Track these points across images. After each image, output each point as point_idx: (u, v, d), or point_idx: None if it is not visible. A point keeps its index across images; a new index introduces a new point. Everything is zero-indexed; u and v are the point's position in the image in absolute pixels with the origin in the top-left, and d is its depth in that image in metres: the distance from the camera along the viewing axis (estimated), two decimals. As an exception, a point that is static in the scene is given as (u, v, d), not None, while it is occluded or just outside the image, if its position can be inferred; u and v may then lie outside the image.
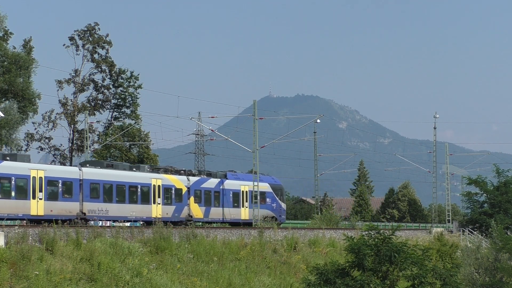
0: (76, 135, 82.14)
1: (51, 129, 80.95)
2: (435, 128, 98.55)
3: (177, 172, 53.80)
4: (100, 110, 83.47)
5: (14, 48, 69.74)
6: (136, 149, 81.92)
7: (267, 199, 60.75)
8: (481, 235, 66.25)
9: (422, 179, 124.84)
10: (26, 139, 79.10)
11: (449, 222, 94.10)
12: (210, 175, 56.56)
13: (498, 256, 40.86)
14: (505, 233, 43.70)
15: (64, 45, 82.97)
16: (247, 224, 55.73)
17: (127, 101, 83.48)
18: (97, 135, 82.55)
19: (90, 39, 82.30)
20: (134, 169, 50.73)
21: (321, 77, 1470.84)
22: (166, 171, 53.00)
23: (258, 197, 58.97)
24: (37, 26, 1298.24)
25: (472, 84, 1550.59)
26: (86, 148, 76.87)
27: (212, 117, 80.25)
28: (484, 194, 76.67)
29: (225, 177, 57.80)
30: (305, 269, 41.28)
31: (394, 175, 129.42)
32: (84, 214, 45.60)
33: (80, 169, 46.62)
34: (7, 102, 64.30)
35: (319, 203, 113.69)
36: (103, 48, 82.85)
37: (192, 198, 53.58)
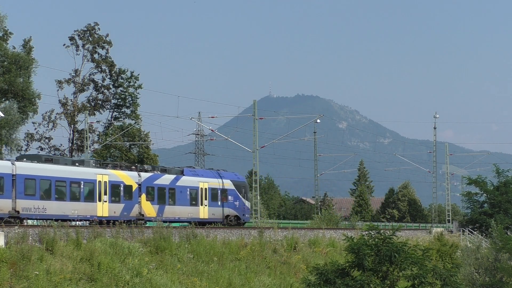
0: (76, 135, 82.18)
1: (51, 129, 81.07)
2: (435, 128, 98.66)
3: (128, 168, 50.38)
4: (100, 110, 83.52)
5: (14, 48, 69.79)
6: (136, 149, 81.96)
7: (229, 197, 56.70)
8: (481, 235, 66.27)
9: (422, 179, 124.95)
10: (26, 139, 79.23)
11: (449, 222, 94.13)
12: (165, 171, 52.63)
13: (498, 256, 40.87)
14: (505, 233, 43.71)
15: (64, 45, 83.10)
16: (206, 224, 51.75)
17: (127, 101, 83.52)
18: (97, 135, 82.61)
19: (90, 39, 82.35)
20: (77, 164, 47.09)
21: (321, 77, 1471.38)
22: (115, 166, 49.48)
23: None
24: (37, 26, 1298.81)
25: (472, 84, 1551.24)
26: (86, 148, 76.91)
27: (212, 117, 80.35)
28: (484, 194, 76.70)
29: (182, 173, 53.72)
30: (305, 269, 41.28)
31: (394, 175, 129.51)
32: (18, 212, 41.98)
33: (13, 164, 42.68)
34: (7, 102, 64.32)
35: (319, 203, 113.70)
36: (103, 48, 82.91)
37: (143, 196, 49.43)
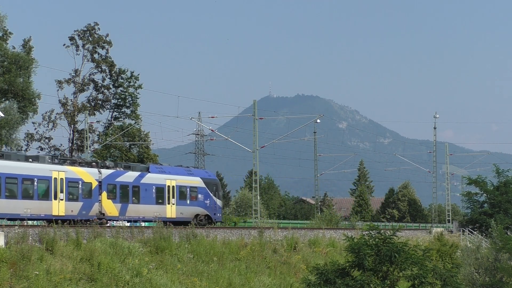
0: (76, 135, 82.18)
1: (51, 129, 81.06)
2: (435, 128, 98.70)
3: (88, 164, 47.68)
4: (100, 110, 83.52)
5: (14, 48, 69.79)
6: (136, 149, 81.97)
7: (199, 195, 53.50)
8: (481, 235, 66.29)
9: (422, 179, 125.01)
10: (26, 139, 79.23)
11: (449, 222, 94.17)
12: (129, 167, 49.93)
13: (498, 256, 40.86)
14: (505, 233, 43.69)
15: (64, 45, 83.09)
16: (174, 224, 49.15)
17: (127, 101, 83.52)
18: (97, 135, 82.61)
19: (90, 39, 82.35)
20: (30, 160, 44.55)
21: (321, 77, 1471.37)
22: (73, 163, 46.84)
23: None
24: (37, 26, 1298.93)
25: (472, 84, 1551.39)
26: (86, 148, 76.91)
27: (212, 117, 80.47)
28: (484, 194, 76.74)
29: (147, 170, 50.86)
30: (305, 269, 41.29)
31: (394, 175, 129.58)
32: None
33: None
34: (7, 102, 64.31)
35: (319, 203, 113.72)
36: (103, 48, 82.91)
37: (104, 194, 46.65)
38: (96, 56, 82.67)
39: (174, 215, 51.18)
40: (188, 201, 52.56)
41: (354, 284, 25.91)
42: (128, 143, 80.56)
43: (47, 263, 31.33)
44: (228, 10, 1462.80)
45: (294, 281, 40.89)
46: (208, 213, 54.05)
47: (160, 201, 50.44)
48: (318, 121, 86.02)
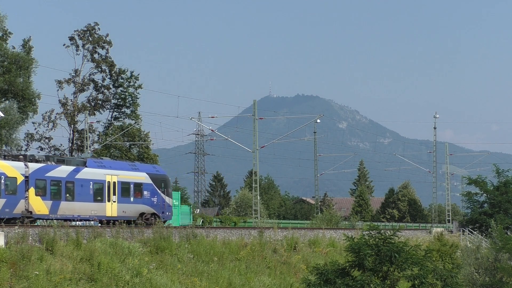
0: (76, 135, 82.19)
1: (51, 129, 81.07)
2: (435, 128, 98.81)
3: (14, 157, 43.34)
4: (100, 110, 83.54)
5: (14, 48, 69.83)
6: (136, 149, 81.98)
7: (145, 192, 49.23)
8: (481, 235, 66.31)
9: (422, 179, 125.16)
10: (26, 139, 79.24)
11: (449, 222, 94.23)
12: (62, 161, 45.40)
13: (498, 256, 40.84)
14: (505, 233, 43.67)
15: (64, 45, 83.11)
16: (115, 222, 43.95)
17: (127, 101, 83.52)
18: (97, 135, 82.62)
19: (90, 39, 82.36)
20: None
21: (321, 77, 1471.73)
22: None
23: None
24: (37, 26, 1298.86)
25: (472, 84, 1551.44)
26: (86, 148, 76.91)
27: (212, 117, 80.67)
28: (484, 194, 76.80)
29: (84, 164, 46.41)
30: (305, 269, 41.29)
31: (394, 175, 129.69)
32: None
33: None
34: (7, 102, 64.33)
35: (319, 203, 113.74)
36: (103, 48, 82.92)
37: (32, 190, 42.20)
38: (96, 56, 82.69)
39: (115, 214, 46.78)
40: (131, 199, 48.11)
41: (354, 284, 25.89)
42: (128, 143, 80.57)
43: (47, 263, 31.33)
44: (228, 10, 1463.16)
45: (294, 281, 40.90)
46: (155, 212, 49.63)
47: (98, 198, 46.05)
48: (318, 121, 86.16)
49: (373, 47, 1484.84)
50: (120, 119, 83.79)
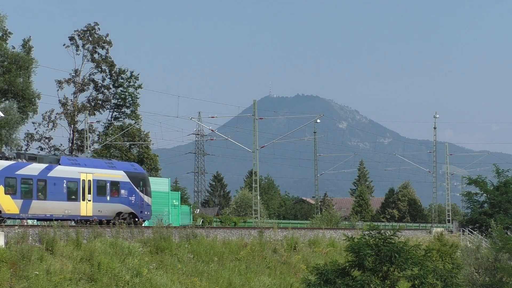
0: (76, 135, 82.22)
1: (51, 129, 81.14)
2: (435, 128, 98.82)
3: None
4: (100, 110, 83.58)
5: (14, 48, 69.85)
6: (136, 149, 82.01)
7: (122, 191, 47.34)
8: (481, 235, 66.32)
9: (422, 179, 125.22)
10: (26, 139, 79.33)
11: (449, 222, 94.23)
12: (34, 159, 43.82)
13: (498, 256, 40.86)
14: (505, 233, 43.69)
15: (64, 45, 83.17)
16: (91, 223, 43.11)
17: (127, 101, 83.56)
18: (97, 135, 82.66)
19: (90, 39, 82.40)
20: None
21: (321, 77, 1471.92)
22: None
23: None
24: (37, 26, 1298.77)
25: (472, 84, 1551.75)
26: (86, 148, 76.91)
27: (212, 117, 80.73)
28: (484, 194, 76.82)
29: (58, 162, 44.67)
30: (305, 269, 41.29)
31: (394, 175, 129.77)
32: None
33: None
34: (7, 102, 64.34)
35: (319, 203, 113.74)
36: (103, 48, 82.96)
37: (1, 188, 41.02)
38: (96, 56, 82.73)
39: (90, 213, 45.09)
40: (108, 197, 46.32)
41: (354, 284, 25.90)
42: (128, 143, 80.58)
43: (47, 263, 31.33)
44: (228, 10, 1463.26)
45: (294, 281, 40.89)
46: (133, 211, 47.74)
47: (73, 197, 44.31)
48: (318, 121, 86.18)
49: (373, 47, 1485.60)
50: (120, 119, 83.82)
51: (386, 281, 26.08)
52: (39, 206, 42.45)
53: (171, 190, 67.89)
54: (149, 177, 59.39)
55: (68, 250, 33.54)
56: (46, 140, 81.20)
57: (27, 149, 78.03)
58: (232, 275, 38.26)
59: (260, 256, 42.85)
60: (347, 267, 26.67)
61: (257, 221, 70.11)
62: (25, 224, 39.24)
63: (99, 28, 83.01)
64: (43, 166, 43.37)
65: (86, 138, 77.18)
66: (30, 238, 33.27)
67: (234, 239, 44.30)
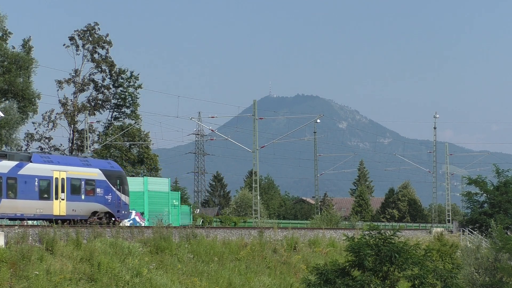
0: (76, 135, 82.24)
1: (51, 129, 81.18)
2: (435, 128, 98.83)
3: None
4: (100, 110, 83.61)
5: (14, 48, 69.87)
6: (136, 149, 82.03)
7: (98, 189, 45.56)
8: (481, 235, 66.33)
9: (422, 179, 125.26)
10: (26, 139, 79.35)
11: (449, 222, 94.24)
12: (4, 156, 42.19)
13: (498, 256, 40.85)
14: (505, 233, 43.69)
15: (64, 45, 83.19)
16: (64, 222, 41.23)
17: (127, 101, 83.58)
18: (97, 135, 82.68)
19: (90, 39, 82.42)
20: None
21: (321, 77, 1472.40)
22: None
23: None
24: (37, 26, 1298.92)
25: (472, 84, 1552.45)
26: (86, 148, 76.92)
27: (212, 117, 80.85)
28: (484, 194, 76.83)
29: (29, 159, 43.01)
30: (305, 269, 41.30)
31: (394, 175, 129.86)
32: None
33: None
34: (7, 102, 64.36)
35: (319, 203, 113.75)
36: (103, 48, 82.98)
37: None
38: (96, 56, 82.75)
39: (64, 212, 43.39)
40: (83, 196, 44.55)
41: (354, 284, 25.90)
42: (128, 143, 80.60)
43: (47, 263, 31.34)
44: (228, 10, 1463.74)
45: (294, 281, 40.90)
46: (110, 210, 45.90)
47: (45, 196, 42.59)
48: (318, 121, 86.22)
49: (373, 47, 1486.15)
50: (120, 119, 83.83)
51: (386, 281, 26.09)
52: (9, 205, 41.03)
53: (171, 190, 67.89)
54: (149, 177, 59.60)
55: (68, 250, 33.54)
56: (46, 140, 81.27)
57: (27, 149, 78.06)
58: (232, 275, 38.28)
59: (260, 256, 42.86)
60: (347, 267, 26.68)
61: (257, 221, 70.14)
62: (25, 224, 39.35)
63: (99, 28, 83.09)
64: (13, 163, 41.88)
65: (86, 138, 77.18)
66: (30, 238, 33.28)
67: (234, 239, 44.31)
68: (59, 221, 39.69)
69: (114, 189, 46.42)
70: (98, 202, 45.35)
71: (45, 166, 43.23)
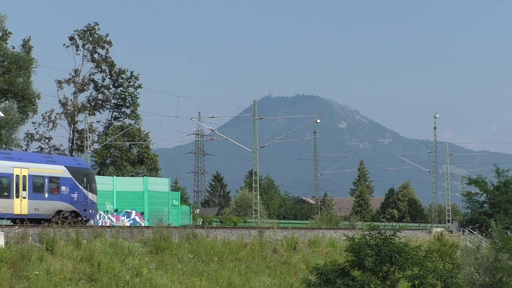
0: (76, 135, 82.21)
1: (51, 129, 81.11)
2: (435, 128, 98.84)
3: None
4: (100, 110, 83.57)
5: (14, 48, 69.87)
6: (136, 149, 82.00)
7: (63, 187, 43.24)
8: (481, 235, 66.32)
9: (422, 179, 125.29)
10: (26, 139, 79.30)
11: (449, 222, 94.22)
12: None
13: (498, 256, 40.85)
14: (505, 233, 43.69)
15: (64, 45, 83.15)
16: (30, 221, 40.42)
17: (127, 101, 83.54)
18: (97, 135, 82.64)
19: (90, 39, 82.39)
20: None
21: (321, 77, 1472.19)
22: None
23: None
24: (37, 26, 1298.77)
25: (472, 84, 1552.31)
26: (86, 148, 76.91)
27: (212, 117, 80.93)
28: (484, 194, 76.83)
29: None
30: (305, 269, 41.31)
31: (394, 175, 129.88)
32: None
33: None
34: (7, 102, 64.36)
35: (319, 203, 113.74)
36: (103, 48, 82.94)
37: None
38: (96, 56, 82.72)
39: (25, 211, 41.32)
40: (46, 194, 42.45)
41: (354, 284, 25.91)
42: (128, 143, 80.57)
43: (47, 263, 31.34)
44: (228, 10, 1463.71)
45: (294, 281, 40.91)
46: (76, 209, 43.78)
47: (5, 194, 40.53)
48: (318, 121, 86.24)
49: (373, 47, 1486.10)
50: (120, 119, 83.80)
51: (386, 281, 26.09)
52: None
53: (171, 190, 67.89)
54: (149, 177, 59.43)
55: (68, 250, 33.55)
56: (46, 140, 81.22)
57: (27, 149, 78.06)
58: (232, 275, 38.28)
59: (260, 256, 42.86)
60: (347, 267, 26.68)
61: (257, 221, 70.13)
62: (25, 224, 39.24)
63: (99, 28, 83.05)
64: None
65: (86, 138, 77.16)
66: (30, 238, 33.29)
67: (234, 239, 44.32)
68: (17, 220, 39.18)
69: (80, 187, 44.38)
70: (63, 201, 43.35)
71: (4, 163, 41.31)
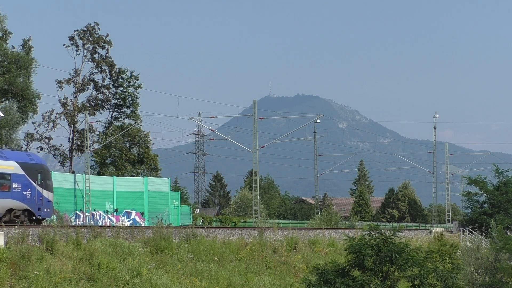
0: (76, 135, 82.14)
1: (51, 129, 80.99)
2: (435, 128, 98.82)
3: None
4: (100, 110, 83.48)
5: (14, 48, 69.83)
6: (136, 149, 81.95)
7: (14, 185, 40.21)
8: (481, 235, 66.30)
9: (422, 179, 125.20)
10: (26, 139, 79.18)
11: (449, 222, 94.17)
12: None
13: (498, 256, 40.82)
14: (505, 233, 43.66)
15: (64, 45, 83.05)
16: None
17: (127, 101, 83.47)
18: (97, 135, 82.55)
19: (90, 39, 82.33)
20: None
21: (321, 77, 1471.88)
22: None
23: None
24: (37, 26, 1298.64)
25: (472, 84, 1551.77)
26: (86, 148, 76.84)
27: (212, 117, 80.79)
28: (484, 194, 76.82)
29: None
30: (305, 269, 41.32)
31: (394, 175, 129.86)
32: None
33: None
34: (7, 102, 64.32)
35: (319, 203, 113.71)
36: (103, 48, 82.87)
37: None
38: (96, 56, 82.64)
39: None
40: None
41: (354, 284, 25.91)
42: (128, 143, 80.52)
43: (47, 263, 31.33)
44: (228, 10, 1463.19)
45: (294, 281, 40.91)
46: (29, 208, 41.02)
47: None
48: (318, 121, 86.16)
49: (373, 47, 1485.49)
50: (120, 119, 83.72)
51: (386, 281, 26.09)
52: None
53: (171, 190, 67.91)
54: (149, 177, 59.24)
55: (68, 250, 33.54)
56: (46, 140, 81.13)
57: (27, 149, 78.00)
58: (232, 275, 38.28)
59: (260, 256, 42.85)
60: (347, 267, 26.68)
61: (257, 221, 70.09)
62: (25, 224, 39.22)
63: (99, 28, 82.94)
64: None
65: (86, 138, 77.09)
66: (30, 238, 33.28)
67: (234, 239, 44.31)
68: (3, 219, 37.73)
69: (34, 184, 41.41)
70: (14, 199, 40.43)
71: None
